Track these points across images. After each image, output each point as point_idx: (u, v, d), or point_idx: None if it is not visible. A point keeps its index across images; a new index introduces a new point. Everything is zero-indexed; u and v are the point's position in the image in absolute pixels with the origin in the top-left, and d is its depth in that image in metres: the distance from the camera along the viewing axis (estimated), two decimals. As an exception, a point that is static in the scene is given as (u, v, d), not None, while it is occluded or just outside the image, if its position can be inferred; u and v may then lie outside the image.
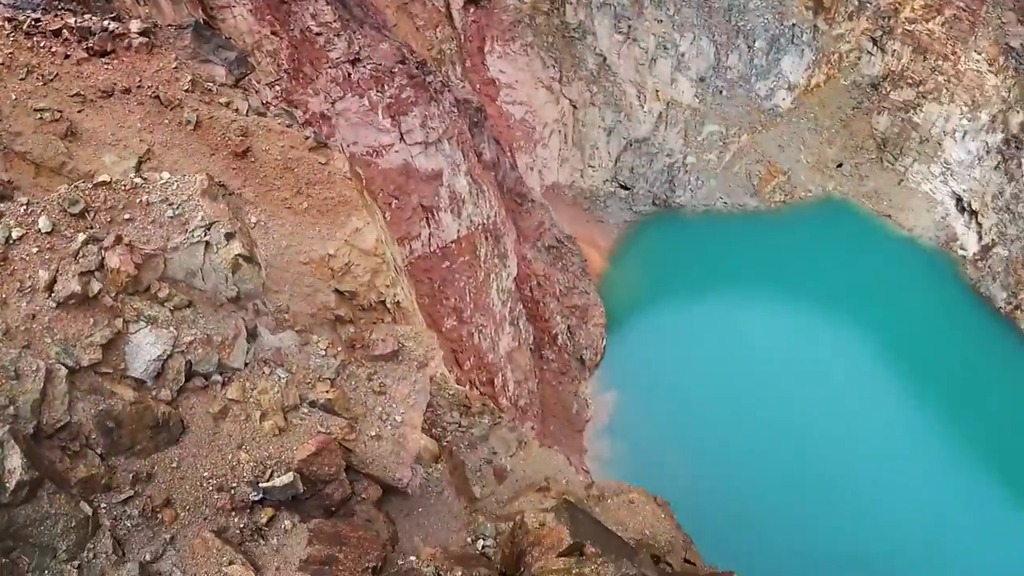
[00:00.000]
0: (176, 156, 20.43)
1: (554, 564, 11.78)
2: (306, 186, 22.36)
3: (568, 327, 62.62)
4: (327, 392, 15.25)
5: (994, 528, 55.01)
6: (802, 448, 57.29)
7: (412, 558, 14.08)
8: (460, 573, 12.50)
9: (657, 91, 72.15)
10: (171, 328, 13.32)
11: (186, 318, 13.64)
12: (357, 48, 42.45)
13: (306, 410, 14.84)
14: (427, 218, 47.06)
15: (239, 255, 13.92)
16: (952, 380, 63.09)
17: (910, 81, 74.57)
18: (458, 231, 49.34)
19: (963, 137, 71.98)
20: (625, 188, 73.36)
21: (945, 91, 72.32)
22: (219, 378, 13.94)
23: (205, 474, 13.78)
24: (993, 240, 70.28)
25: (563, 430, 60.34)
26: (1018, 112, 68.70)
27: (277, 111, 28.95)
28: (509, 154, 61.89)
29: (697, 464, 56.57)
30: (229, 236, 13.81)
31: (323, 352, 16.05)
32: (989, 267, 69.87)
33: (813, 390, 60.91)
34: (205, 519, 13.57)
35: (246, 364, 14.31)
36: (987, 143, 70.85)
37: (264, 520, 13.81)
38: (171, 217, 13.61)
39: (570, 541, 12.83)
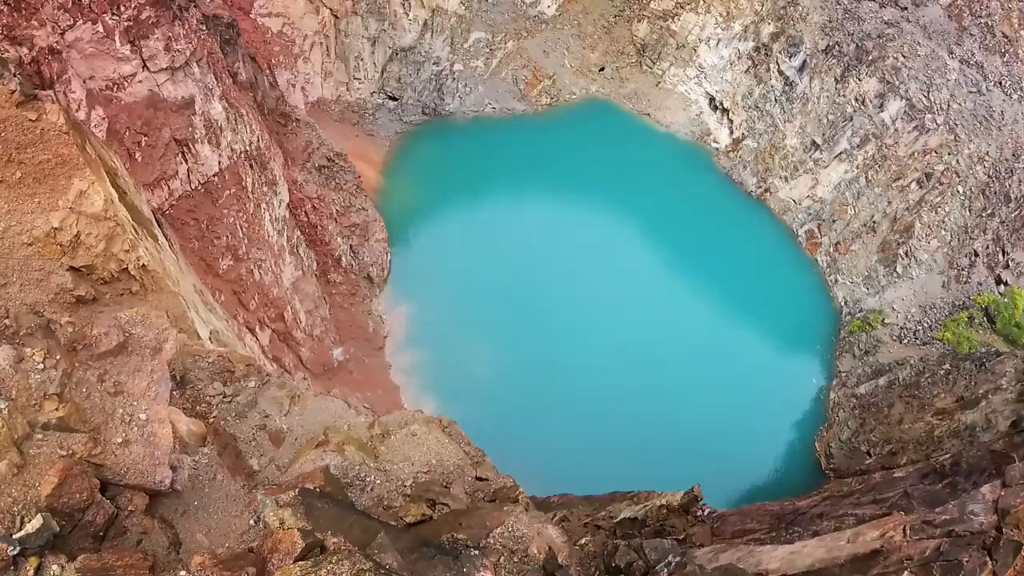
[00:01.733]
0: None
1: (289, 572, 11.58)
2: (17, 151, 19.77)
3: (351, 247, 61.61)
4: (57, 410, 13.88)
5: (755, 365, 64.80)
6: (584, 327, 61.88)
7: (182, 573, 13.62)
8: (219, 583, 12.14)
9: (422, -2, 70.23)
10: None
11: None
12: (80, -34, 37.31)
13: (40, 436, 13.52)
14: (183, 153, 43.64)
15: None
16: (711, 251, 70.40)
17: (670, -8, 77.83)
18: (219, 163, 46.25)
19: (717, 44, 77.06)
20: (393, 99, 71.76)
21: (702, 2, 76.59)
22: (-72, 429, 12.37)
23: (-46, 547, 12.30)
24: (743, 134, 77.19)
25: (364, 350, 60.26)
26: (768, 24, 74.46)
27: (-18, 62, 25.21)
28: (268, 72, 58.10)
29: (491, 358, 59.49)
30: None
31: (41, 365, 14.43)
32: (740, 157, 76.89)
33: (588, 275, 65.39)
34: (-26, 600, 12.22)
35: (-41, 404, 12.82)
36: (739, 50, 76.51)
37: (31, 573, 12.65)
38: None
39: (302, 544, 12.53)
